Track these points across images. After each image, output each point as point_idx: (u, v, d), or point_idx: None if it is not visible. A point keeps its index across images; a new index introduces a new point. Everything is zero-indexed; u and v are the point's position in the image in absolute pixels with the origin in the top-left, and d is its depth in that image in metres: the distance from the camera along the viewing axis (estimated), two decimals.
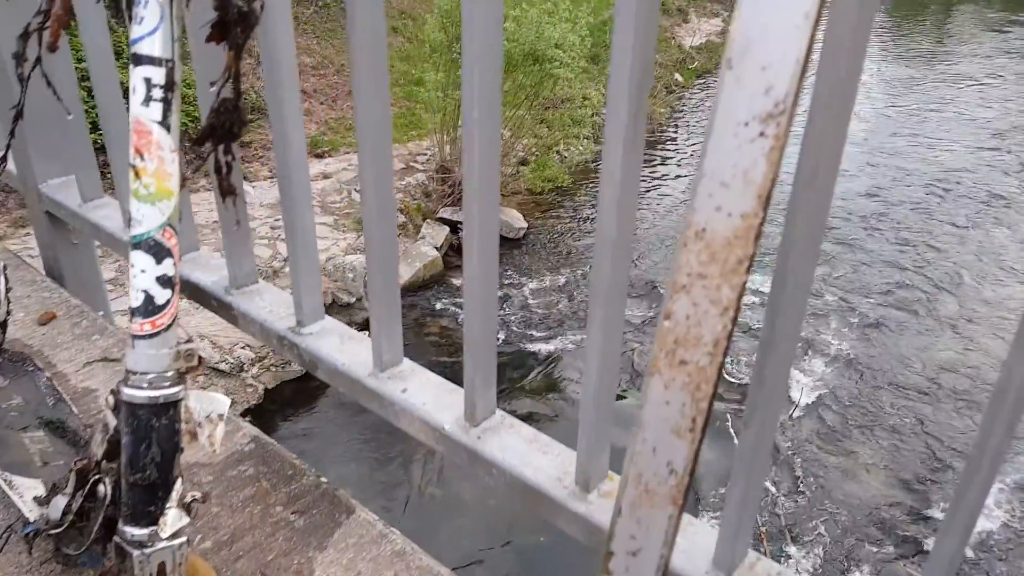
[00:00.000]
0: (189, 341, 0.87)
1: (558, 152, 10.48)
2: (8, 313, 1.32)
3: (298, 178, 1.11)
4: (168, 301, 0.82)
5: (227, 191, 1.03)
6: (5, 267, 1.36)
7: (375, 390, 1.12)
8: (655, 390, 0.55)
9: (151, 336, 0.82)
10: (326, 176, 8.78)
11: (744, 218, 0.50)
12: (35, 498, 1.01)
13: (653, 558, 0.56)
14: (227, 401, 0.88)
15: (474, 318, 0.99)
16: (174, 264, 0.83)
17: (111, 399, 0.85)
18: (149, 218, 0.81)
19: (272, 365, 6.29)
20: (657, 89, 12.74)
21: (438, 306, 7.57)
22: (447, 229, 8.79)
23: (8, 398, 1.21)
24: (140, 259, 0.81)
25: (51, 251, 1.76)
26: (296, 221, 1.16)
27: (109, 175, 1.44)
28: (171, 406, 0.82)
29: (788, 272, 0.69)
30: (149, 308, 0.81)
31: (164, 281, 0.82)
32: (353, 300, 7.52)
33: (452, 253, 8.64)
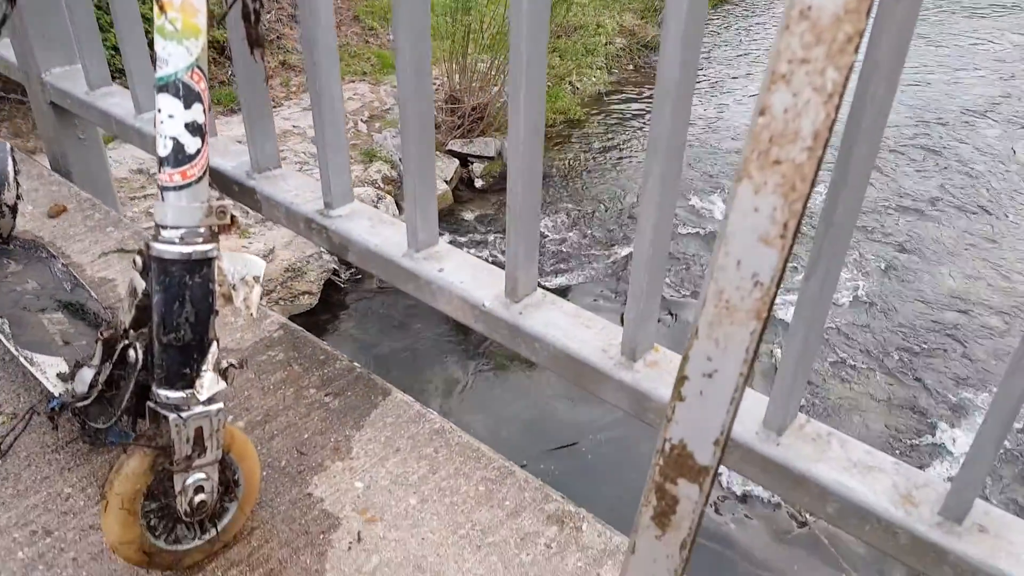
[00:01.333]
0: (220, 197, 0.83)
1: (570, 83, 10.24)
2: (19, 197, 1.28)
3: (325, 42, 1.05)
4: (199, 151, 0.78)
5: (255, 41, 0.98)
6: (12, 148, 1.31)
7: (411, 270, 1.08)
8: (743, 197, 0.50)
9: (182, 188, 0.77)
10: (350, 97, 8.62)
11: None
12: (58, 374, 0.98)
13: (731, 379, 0.53)
14: (262, 263, 0.84)
15: (517, 189, 0.94)
16: (204, 111, 0.78)
17: (139, 260, 0.82)
18: (176, 57, 0.75)
19: (281, 299, 6.27)
20: None
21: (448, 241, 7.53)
22: (457, 162, 8.66)
23: (23, 282, 1.17)
24: (167, 103, 0.76)
25: (57, 146, 1.70)
26: (323, 93, 1.10)
27: (116, 62, 1.38)
28: (204, 264, 0.79)
29: (867, 95, 0.64)
30: (179, 157, 0.77)
31: (194, 128, 0.77)
32: None
33: (462, 187, 8.52)
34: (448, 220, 8.30)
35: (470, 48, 9.21)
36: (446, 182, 8.56)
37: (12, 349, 1.01)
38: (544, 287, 1.03)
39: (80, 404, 0.90)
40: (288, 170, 1.30)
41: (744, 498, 3.27)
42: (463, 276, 1.06)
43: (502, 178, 8.27)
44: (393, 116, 7.36)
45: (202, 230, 0.79)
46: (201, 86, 0.78)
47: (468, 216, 8.59)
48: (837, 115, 0.47)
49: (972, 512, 0.72)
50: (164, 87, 0.76)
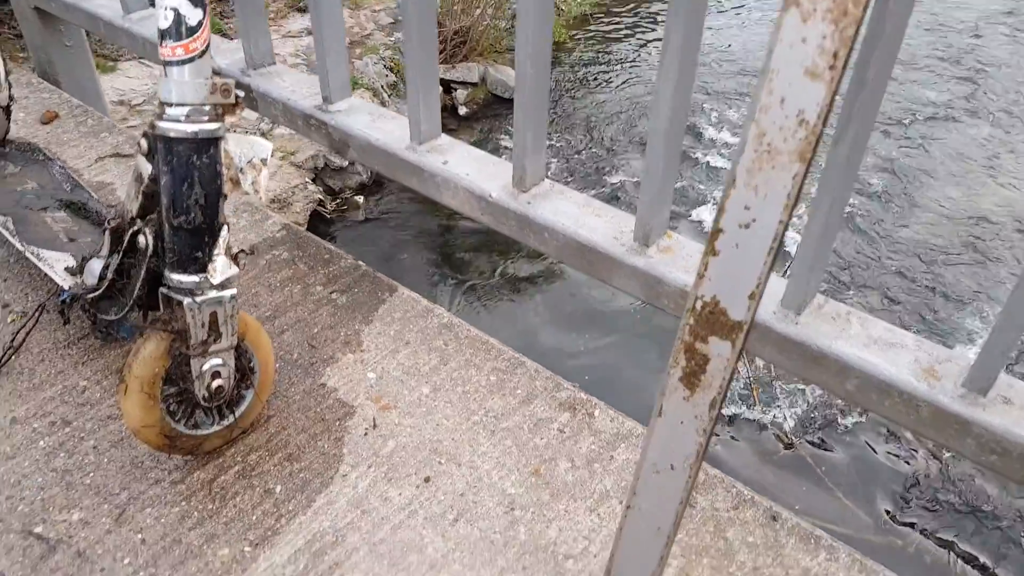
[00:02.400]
0: (219, 75, 0.80)
1: (556, 5, 9.95)
2: (11, 99, 1.23)
3: None
4: (200, 23, 0.75)
5: None
6: None
7: (415, 163, 1.06)
8: (789, 26, 0.48)
9: (184, 62, 0.74)
10: (311, 32, 8.38)
11: None
12: (67, 269, 0.97)
13: (769, 228, 0.52)
14: (269, 145, 0.82)
15: (527, 71, 0.92)
16: None
17: (143, 143, 0.79)
18: None
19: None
20: None
21: None
22: (439, 89, 8.48)
23: (22, 182, 1.14)
24: None
25: (43, 53, 1.64)
26: None
27: None
28: (211, 143, 0.76)
29: None
30: (180, 30, 0.74)
31: (195, 0, 0.74)
32: (345, 163, 7.32)
33: (446, 114, 8.34)
34: None
35: None
36: None
37: (18, 245, 0.99)
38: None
39: (91, 296, 0.89)
40: (283, 67, 1.26)
41: (731, 420, 3.34)
42: (468, 168, 1.04)
43: (487, 104, 8.13)
44: (374, 43, 7.15)
45: (207, 108, 0.76)
46: None
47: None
48: None
49: (996, 384, 0.73)
50: None
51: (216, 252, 0.79)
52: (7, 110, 1.21)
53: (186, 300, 0.77)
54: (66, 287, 0.93)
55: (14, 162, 1.19)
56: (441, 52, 9.04)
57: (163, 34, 0.74)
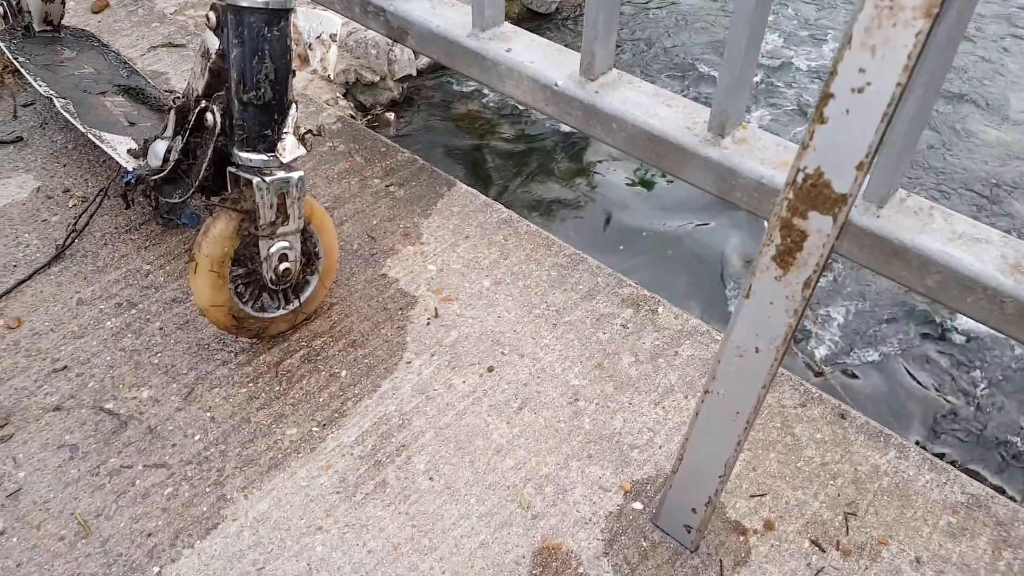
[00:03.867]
0: None
1: None
2: None
3: None
4: None
5: None
6: None
7: (477, 51, 1.02)
8: None
9: None
10: None
11: None
12: (129, 151, 0.96)
13: (886, 92, 0.49)
14: (339, 20, 0.79)
15: None
16: None
17: (212, 16, 0.76)
18: None
19: None
20: None
21: (466, 90, 7.23)
22: None
23: (80, 67, 1.13)
24: None
25: None
26: None
27: None
28: (282, 15, 0.73)
29: None
30: None
31: None
32: (377, 79, 7.19)
33: None
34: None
35: None
36: None
37: (81, 128, 0.98)
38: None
39: (155, 178, 0.88)
40: None
41: None
42: (533, 55, 1.00)
43: (519, 20, 7.95)
44: None
45: None
46: None
47: None
48: None
49: None
50: None
51: (285, 131, 0.77)
52: None
53: (255, 179, 0.76)
54: (130, 168, 0.92)
55: (70, 47, 1.18)
56: None
57: None
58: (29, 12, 1.17)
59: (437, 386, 0.84)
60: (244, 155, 0.76)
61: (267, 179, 0.76)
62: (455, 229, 1.01)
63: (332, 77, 0.79)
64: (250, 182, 0.76)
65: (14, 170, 1.05)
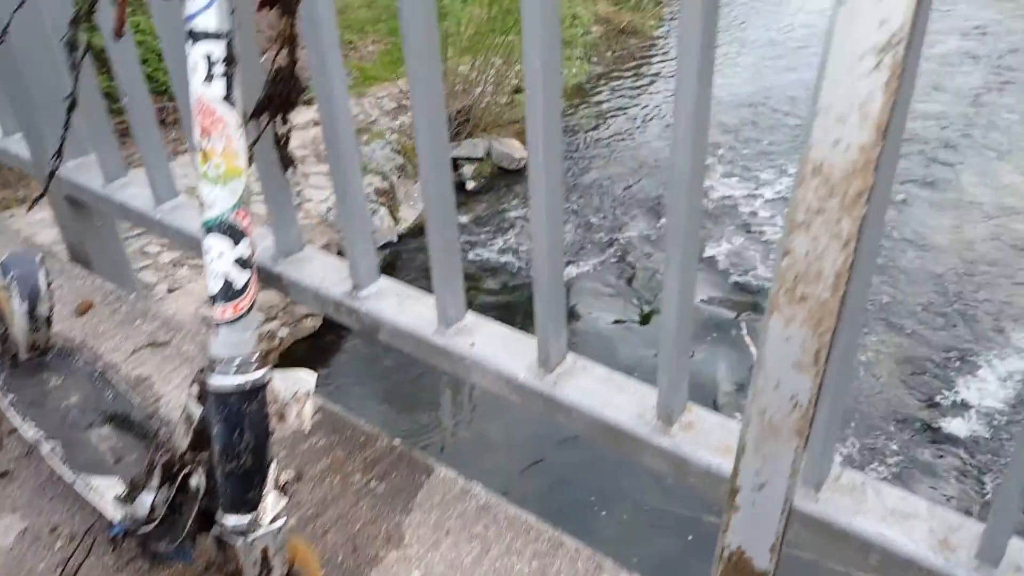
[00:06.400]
0: (267, 320, 0.87)
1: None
2: (52, 308, 1.32)
3: (346, 143, 1.09)
4: (247, 282, 0.83)
5: (287, 162, 1.02)
6: (43, 257, 1.35)
7: (443, 347, 1.13)
8: (775, 328, 0.55)
9: (235, 321, 0.82)
10: (318, 123, 8.65)
11: (863, 150, 0.49)
12: (116, 497, 1.01)
13: (779, 490, 0.58)
14: (312, 377, 0.89)
15: (542, 263, 0.99)
16: (250, 244, 0.83)
17: (195, 389, 0.86)
18: (221, 200, 0.80)
19: (284, 324, 6.25)
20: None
21: None
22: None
23: (66, 397, 1.22)
24: (216, 243, 0.81)
25: (75, 236, 1.75)
26: (347, 185, 1.15)
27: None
28: (260, 390, 0.83)
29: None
30: (230, 292, 0.82)
31: (242, 263, 0.82)
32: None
33: (456, 190, 8.54)
34: None
35: (449, 52, 9.19)
36: None
37: (69, 475, 1.04)
38: None
39: (144, 531, 0.94)
40: (311, 250, 1.35)
41: None
42: (495, 348, 1.11)
43: (493, 177, 8.31)
44: (379, 128, 7.38)
45: (255, 356, 0.84)
46: (246, 222, 0.82)
47: (462, 219, 8.57)
48: (856, 258, 0.52)
49: (1007, 554, 0.77)
50: (211, 228, 0.81)
51: (266, 490, 0.85)
52: (48, 320, 1.29)
53: (239, 542, 0.83)
54: (117, 519, 0.98)
55: (57, 371, 1.27)
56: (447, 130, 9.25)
57: (214, 298, 0.82)
58: (16, 343, 1.27)
59: None
60: (227, 520, 0.83)
61: (250, 538, 0.83)
62: (436, 524, 1.08)
63: (306, 430, 0.88)
64: (234, 544, 0.83)
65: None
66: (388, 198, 6.79)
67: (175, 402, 1.30)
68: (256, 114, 0.87)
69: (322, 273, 1.29)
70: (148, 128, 1.44)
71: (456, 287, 1.14)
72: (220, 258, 0.81)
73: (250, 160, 0.83)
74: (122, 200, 1.56)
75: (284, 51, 0.82)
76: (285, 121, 0.93)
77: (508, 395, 1.09)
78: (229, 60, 0.76)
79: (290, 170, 1.06)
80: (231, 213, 0.81)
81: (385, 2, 10.70)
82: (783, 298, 0.54)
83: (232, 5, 0.77)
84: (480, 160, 9.21)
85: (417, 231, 7.89)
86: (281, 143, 0.98)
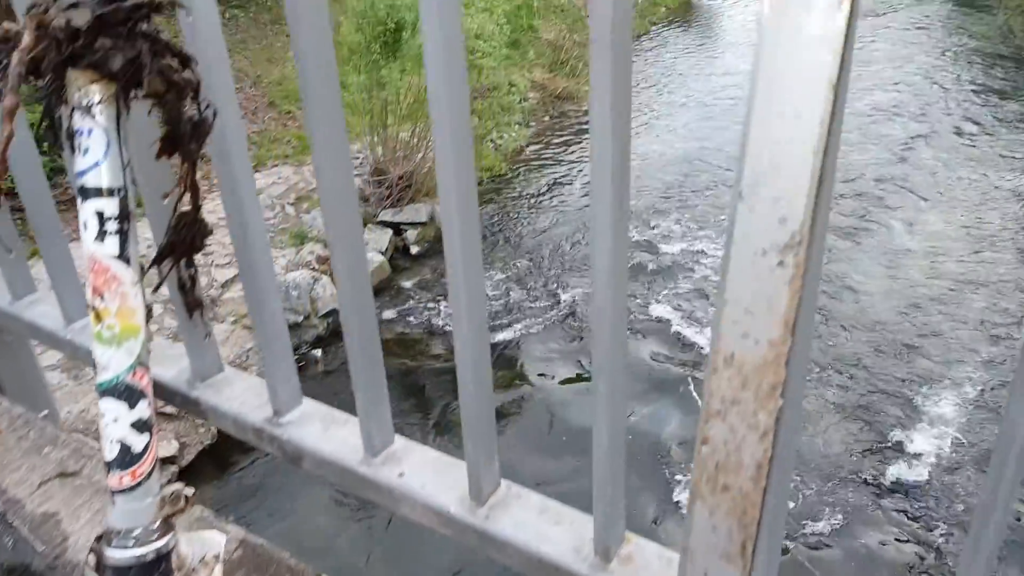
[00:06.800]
0: (170, 482, 0.81)
1: (491, 141, 10.42)
2: None
3: (261, 261, 1.05)
4: (147, 446, 0.77)
5: (193, 305, 0.97)
6: None
7: (370, 478, 1.07)
8: (700, 516, 0.52)
9: (133, 488, 0.76)
10: (256, 192, 8.55)
11: (772, 345, 0.47)
12: None
13: None
14: (222, 539, 0.83)
15: (469, 392, 0.96)
16: (149, 404, 0.77)
17: (92, 559, 0.79)
18: (116, 361, 0.75)
19: (184, 432, 5.99)
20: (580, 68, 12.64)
21: (390, 315, 7.41)
22: (390, 231, 8.66)
23: None
24: (111, 407, 0.75)
25: None
26: (264, 307, 1.10)
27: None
28: (163, 559, 0.77)
29: None
30: (127, 459, 0.76)
31: (140, 425, 0.76)
32: (300, 319, 7.27)
33: (398, 255, 8.50)
34: (387, 292, 8.23)
35: (389, 120, 9.26)
36: (381, 253, 8.55)
37: None
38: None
39: None
40: (232, 371, 1.28)
41: None
42: (424, 478, 1.06)
43: (437, 240, 8.34)
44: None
45: (156, 524, 0.77)
46: (144, 381, 0.77)
47: (407, 284, 8.53)
48: (776, 450, 0.50)
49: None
50: (106, 391, 0.75)
51: None
52: None
53: None
54: None
55: None
56: (388, 197, 9.34)
57: (109, 465, 0.76)
58: None
59: None
60: None
61: None
62: None
63: None
64: None
65: None
66: (330, 265, 6.75)
67: (83, 542, 1.20)
68: (158, 261, 0.83)
69: (242, 397, 1.22)
70: (54, 241, 1.37)
71: (382, 411, 1.09)
72: (115, 423, 0.75)
73: (148, 314, 0.78)
74: (31, 319, 1.47)
75: (187, 196, 0.78)
76: (190, 264, 0.88)
77: (440, 528, 1.04)
78: (122, 217, 0.72)
79: (196, 313, 1.01)
80: (127, 374, 0.76)
81: None
82: (705, 487, 0.52)
83: (126, 159, 0.73)
84: (423, 224, 9.21)
85: None
86: (186, 287, 0.93)
